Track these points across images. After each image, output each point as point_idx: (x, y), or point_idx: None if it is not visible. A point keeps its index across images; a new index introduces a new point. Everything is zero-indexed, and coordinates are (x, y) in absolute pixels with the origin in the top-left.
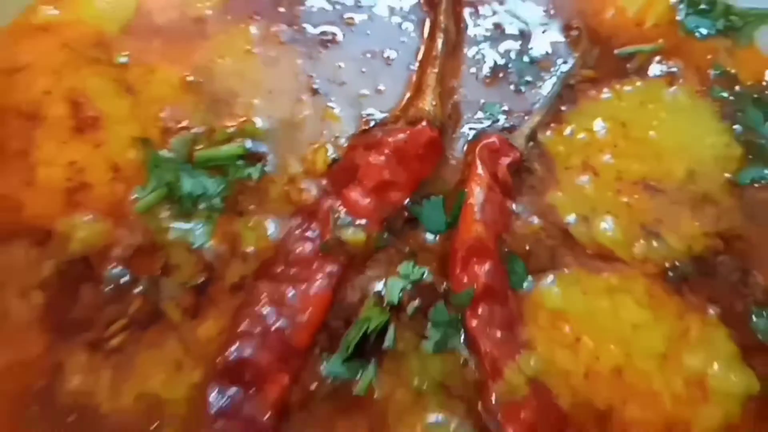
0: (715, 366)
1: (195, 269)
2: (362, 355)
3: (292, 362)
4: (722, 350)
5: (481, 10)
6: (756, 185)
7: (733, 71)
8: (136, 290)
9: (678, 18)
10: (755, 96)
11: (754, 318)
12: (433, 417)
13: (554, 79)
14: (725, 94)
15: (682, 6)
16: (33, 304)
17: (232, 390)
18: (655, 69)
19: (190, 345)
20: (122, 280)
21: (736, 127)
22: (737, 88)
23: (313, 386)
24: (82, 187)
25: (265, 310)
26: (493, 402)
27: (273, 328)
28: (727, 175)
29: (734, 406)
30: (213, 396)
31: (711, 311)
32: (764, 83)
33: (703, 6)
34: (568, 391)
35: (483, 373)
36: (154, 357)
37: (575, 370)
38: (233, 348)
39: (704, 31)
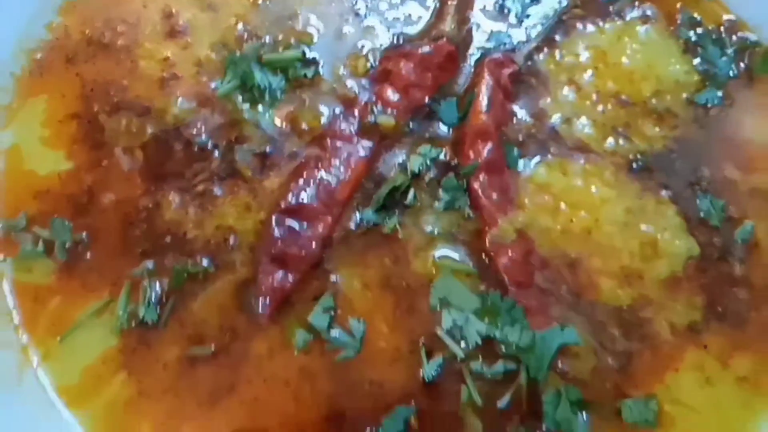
0: (666, 233)
1: (261, 140)
2: (390, 207)
3: (335, 208)
4: (671, 222)
5: None
6: (709, 105)
7: (698, 17)
8: (217, 152)
9: None
10: (714, 37)
11: (698, 200)
12: (443, 252)
13: (550, 14)
14: (690, 34)
15: None
16: (136, 158)
17: (291, 223)
18: (633, 12)
19: (257, 193)
20: (206, 145)
21: (696, 60)
22: (699, 30)
23: (351, 226)
24: (173, 77)
25: (317, 170)
26: (488, 244)
27: (322, 184)
28: (685, 95)
29: (678, 263)
30: (275, 225)
31: (664, 193)
32: (722, 28)
33: None
34: (547, 242)
35: (482, 223)
36: (229, 200)
37: (554, 227)
38: (292, 194)
39: None
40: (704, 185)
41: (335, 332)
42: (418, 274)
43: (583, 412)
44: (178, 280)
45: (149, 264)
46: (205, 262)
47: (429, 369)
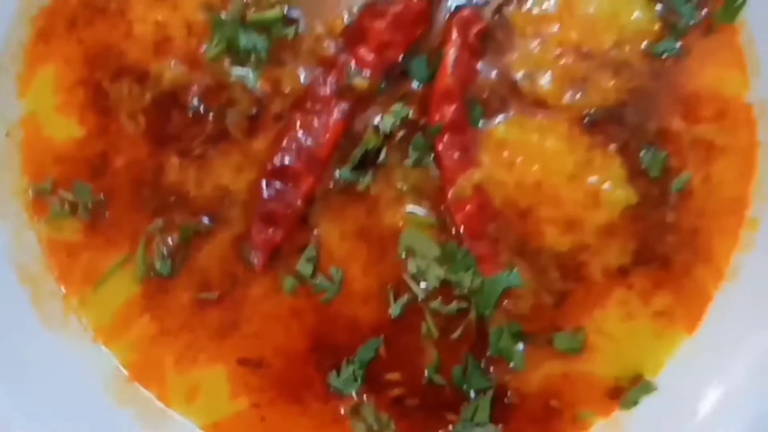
0: (609, 183)
1: (249, 103)
2: (364, 166)
3: (316, 168)
4: (615, 174)
5: None
6: (665, 56)
7: None
8: (210, 116)
9: None
10: None
11: (642, 152)
12: (410, 207)
13: None
14: None
15: None
16: (139, 123)
17: (277, 184)
18: None
19: (248, 154)
20: (200, 109)
21: (659, 7)
22: None
23: (330, 185)
24: (166, 39)
25: (299, 132)
26: (449, 200)
27: (304, 145)
28: (644, 45)
29: (616, 211)
30: (264, 187)
31: (612, 147)
32: None
33: None
34: (501, 195)
35: (444, 181)
36: (223, 162)
37: (508, 181)
38: (277, 157)
39: None
40: (650, 137)
41: (318, 278)
42: (389, 226)
43: (522, 342)
44: (185, 237)
45: (159, 222)
46: (206, 220)
47: (396, 307)
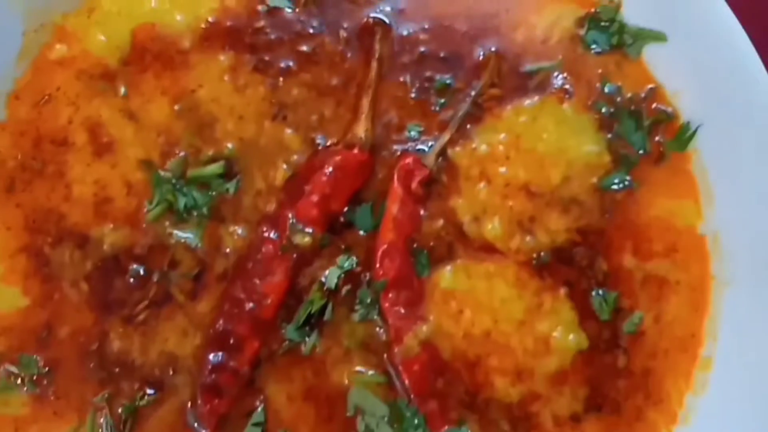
0: (559, 329)
1: (192, 264)
2: (310, 324)
3: (261, 331)
4: (565, 318)
5: (410, 38)
6: (616, 189)
7: (618, 84)
8: (153, 279)
9: (581, 33)
10: (632, 108)
11: (592, 294)
12: (357, 367)
13: (466, 99)
14: (607, 108)
15: (586, 23)
16: (82, 291)
17: (221, 354)
18: (551, 85)
19: (192, 318)
20: (142, 272)
21: (609, 136)
22: (618, 99)
23: (276, 347)
24: (106, 200)
25: (241, 295)
26: (396, 359)
27: (246, 309)
28: (593, 180)
29: (567, 358)
30: (210, 356)
31: (562, 290)
32: (642, 95)
33: (603, 23)
34: (449, 346)
35: (390, 338)
36: (168, 326)
37: (456, 333)
38: (219, 323)
39: (600, 47)
40: (600, 278)
41: None
42: (336, 385)
43: None
44: (131, 410)
45: (106, 393)
46: (151, 391)
47: None
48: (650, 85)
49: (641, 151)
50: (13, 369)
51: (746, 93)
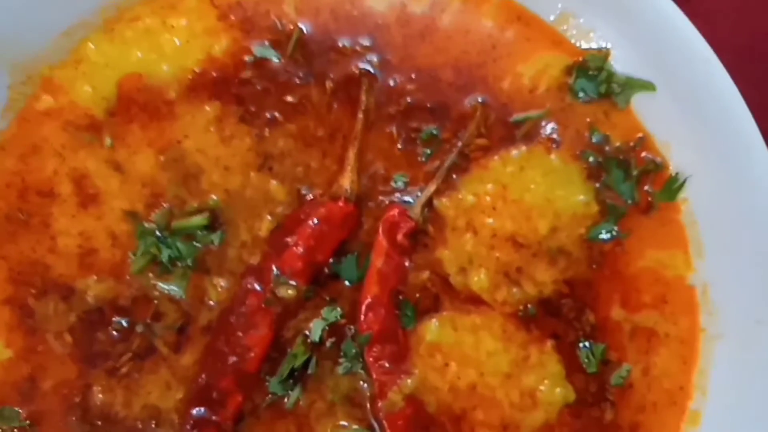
0: (546, 382)
1: (176, 315)
2: (293, 377)
3: (244, 384)
4: (552, 371)
5: (396, 88)
6: (604, 240)
7: (607, 133)
8: (136, 331)
9: (569, 82)
10: (620, 157)
11: (580, 346)
12: (341, 421)
13: (453, 149)
14: (595, 157)
15: (574, 71)
16: (66, 343)
17: (203, 410)
18: (539, 134)
19: (176, 371)
20: (126, 325)
21: (598, 185)
22: (607, 148)
23: (259, 400)
24: (91, 252)
25: (225, 348)
26: (380, 413)
27: (230, 362)
28: (581, 230)
29: (553, 411)
30: (193, 410)
31: (548, 343)
32: (631, 144)
33: (591, 72)
34: (435, 400)
35: (375, 392)
36: (151, 379)
37: (442, 386)
38: (202, 377)
39: (588, 96)
40: (588, 330)
41: None
42: None
43: None
44: None
45: None
46: None
47: None
48: (639, 134)
49: (630, 201)
50: None
51: (735, 143)
